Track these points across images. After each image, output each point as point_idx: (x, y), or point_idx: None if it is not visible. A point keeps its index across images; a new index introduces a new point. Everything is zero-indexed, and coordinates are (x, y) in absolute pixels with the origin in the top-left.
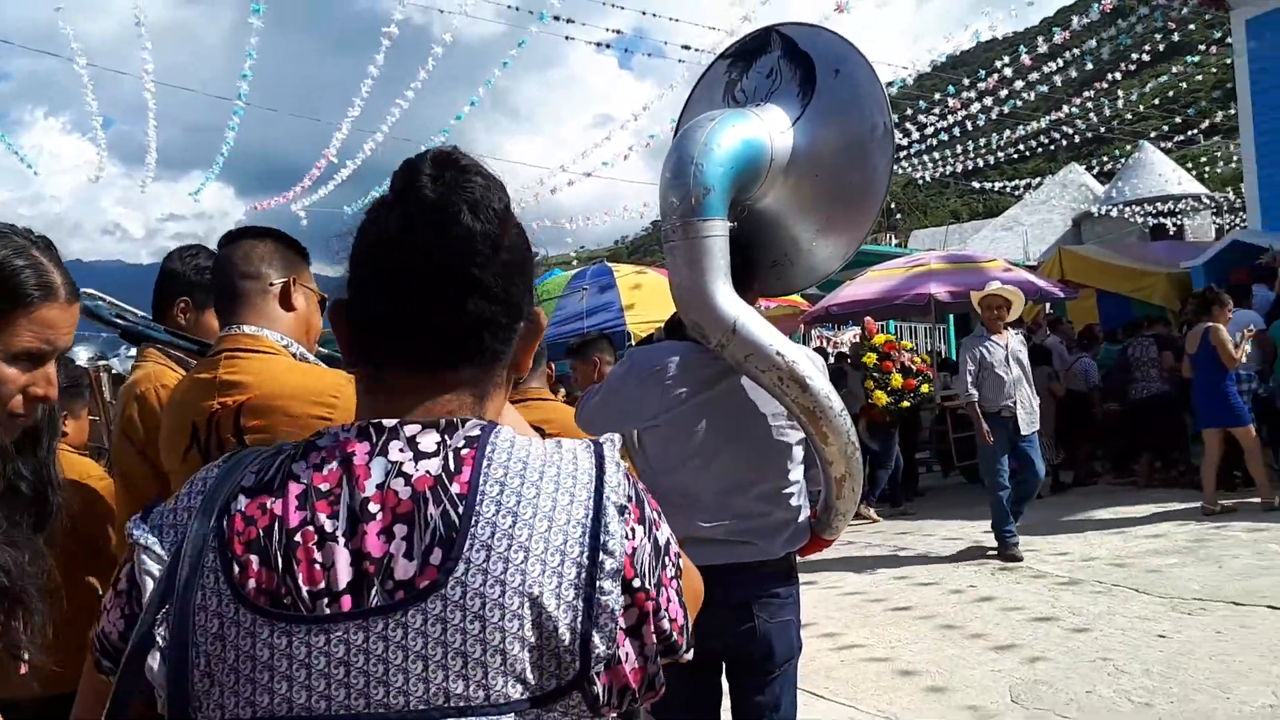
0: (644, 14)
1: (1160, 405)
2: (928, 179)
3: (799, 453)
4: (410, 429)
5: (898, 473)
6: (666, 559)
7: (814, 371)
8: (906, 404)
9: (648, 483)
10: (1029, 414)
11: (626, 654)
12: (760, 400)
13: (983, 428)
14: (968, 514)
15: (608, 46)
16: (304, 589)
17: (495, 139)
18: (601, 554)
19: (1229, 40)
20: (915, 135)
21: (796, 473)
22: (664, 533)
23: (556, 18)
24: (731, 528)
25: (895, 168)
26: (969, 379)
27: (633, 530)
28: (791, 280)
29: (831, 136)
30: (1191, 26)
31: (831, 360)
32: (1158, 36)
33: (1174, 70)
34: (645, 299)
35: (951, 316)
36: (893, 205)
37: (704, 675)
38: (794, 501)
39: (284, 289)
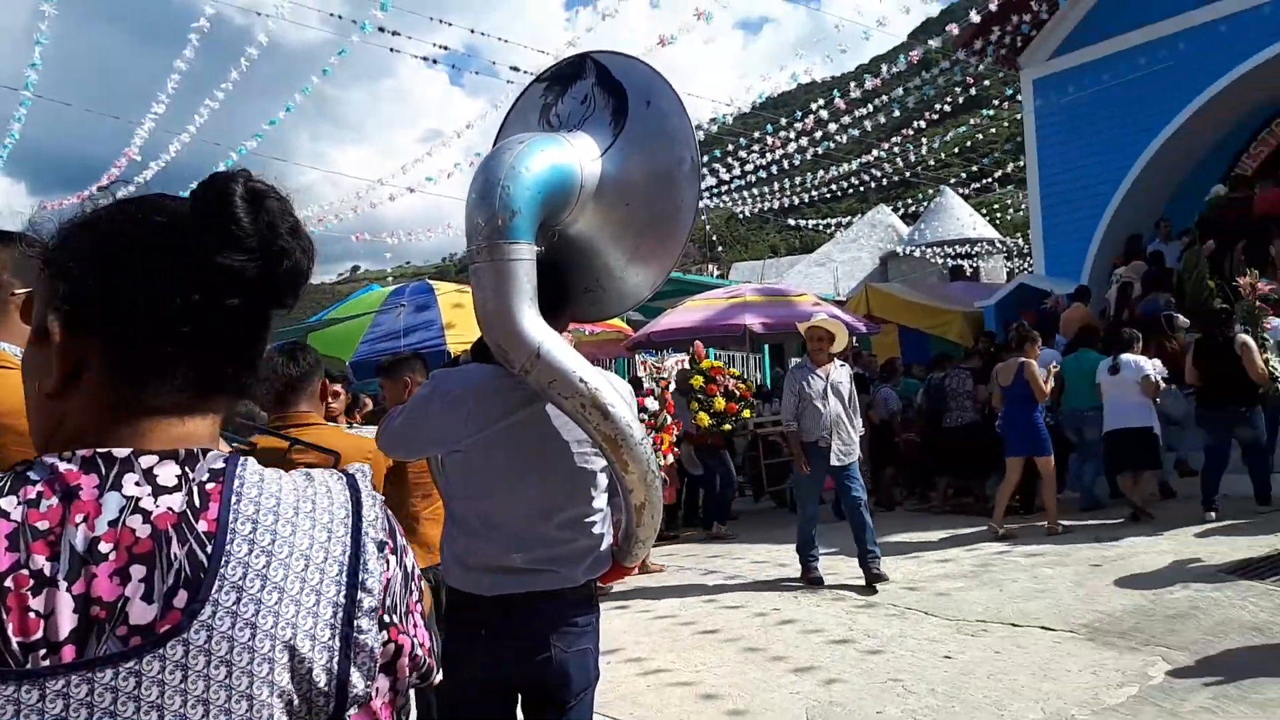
0: (473, 32)
1: (971, 433)
2: (748, 214)
3: (603, 480)
4: (146, 460)
5: (712, 497)
6: (413, 584)
7: (616, 399)
8: (728, 426)
9: (450, 508)
10: (845, 445)
11: (379, 689)
12: (564, 427)
13: (800, 457)
14: (777, 538)
15: (434, 62)
16: (13, 641)
17: (320, 147)
18: (360, 592)
19: (1020, 98)
20: (737, 170)
21: (600, 500)
22: (410, 558)
23: (382, 29)
24: (533, 556)
25: (718, 201)
26: (791, 408)
27: (387, 562)
28: (605, 306)
29: (641, 167)
30: (988, 82)
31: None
32: (958, 90)
33: (972, 122)
34: (467, 319)
35: (767, 346)
36: (714, 238)
37: (499, 705)
38: (597, 529)
39: (27, 300)
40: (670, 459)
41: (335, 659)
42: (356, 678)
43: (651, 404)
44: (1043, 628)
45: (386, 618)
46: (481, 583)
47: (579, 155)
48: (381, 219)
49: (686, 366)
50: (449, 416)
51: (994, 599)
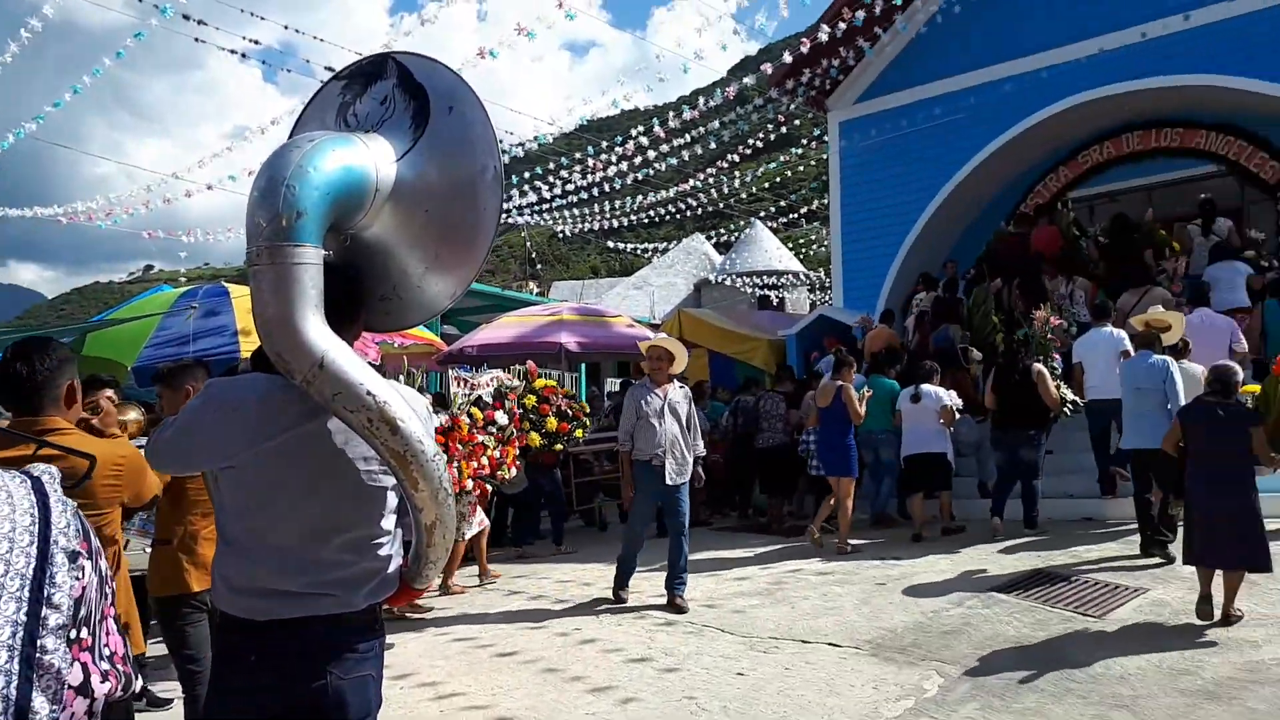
0: (286, 28)
1: (782, 453)
2: (568, 233)
3: (393, 499)
4: None
5: (523, 518)
6: (107, 588)
7: (408, 413)
8: (560, 446)
9: (222, 527)
10: (679, 464)
11: (74, 713)
12: (349, 443)
13: (628, 480)
14: (583, 557)
15: (244, 56)
16: None
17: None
18: (46, 609)
19: (826, 138)
20: (559, 189)
21: (388, 521)
22: (104, 561)
23: (187, 17)
24: (310, 579)
25: (538, 218)
26: (628, 427)
27: (81, 571)
28: (402, 316)
29: (442, 173)
30: (799, 122)
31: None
32: (771, 127)
33: (783, 159)
34: None
35: (584, 365)
36: (535, 255)
37: None
38: (384, 551)
39: None
40: (515, 472)
41: (14, 683)
42: (40, 702)
43: (501, 417)
44: (830, 644)
45: (80, 632)
46: (254, 607)
47: (374, 157)
48: (182, 216)
49: (507, 383)
50: (224, 428)
51: (786, 616)
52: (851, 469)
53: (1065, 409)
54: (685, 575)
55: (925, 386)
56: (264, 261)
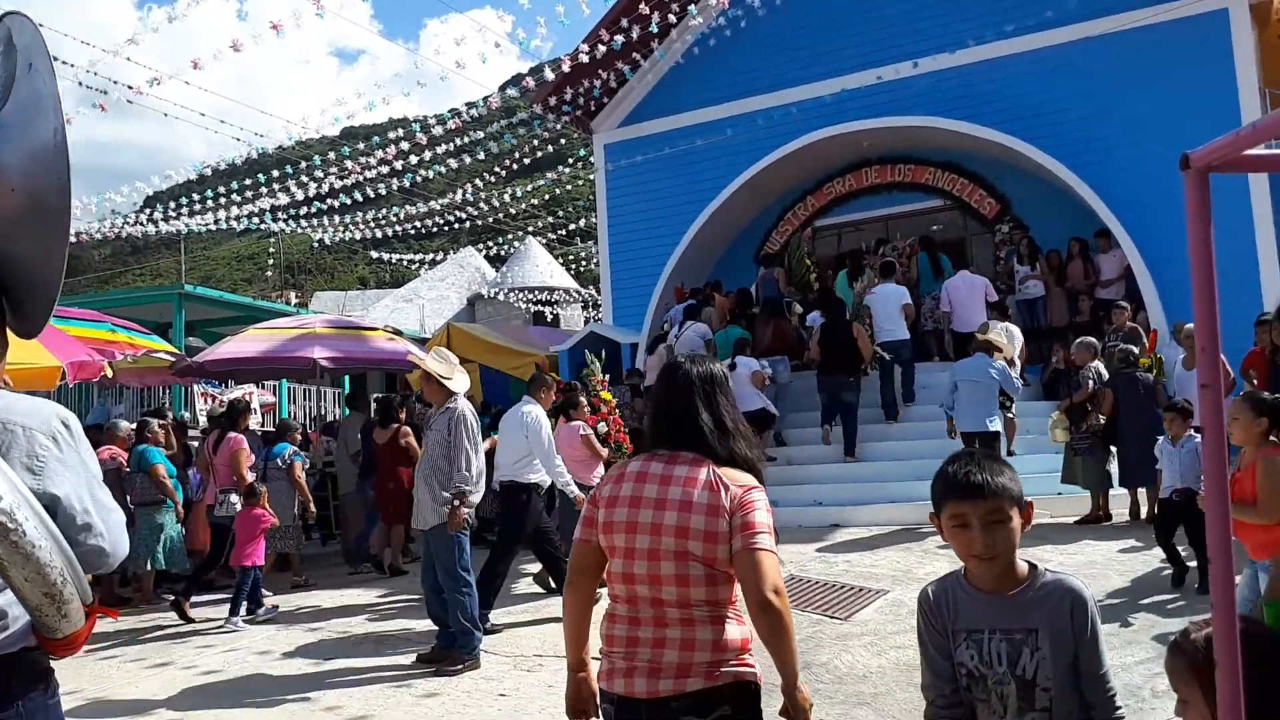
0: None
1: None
2: (327, 240)
3: None
4: None
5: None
6: None
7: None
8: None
9: None
10: (426, 503)
11: None
12: None
13: None
14: (353, 582)
15: None
16: None
17: None
18: None
19: (594, 159)
20: (311, 191)
21: None
22: None
23: None
24: None
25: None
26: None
27: None
28: (35, 314)
29: (25, 142)
30: (564, 141)
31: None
32: (543, 143)
33: (554, 176)
34: None
35: (347, 379)
36: (295, 264)
37: None
38: None
39: None
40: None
41: None
42: None
43: (603, 426)
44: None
45: None
46: None
47: None
48: None
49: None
50: None
51: (551, 633)
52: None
53: (874, 363)
54: (461, 640)
55: (739, 357)
56: None
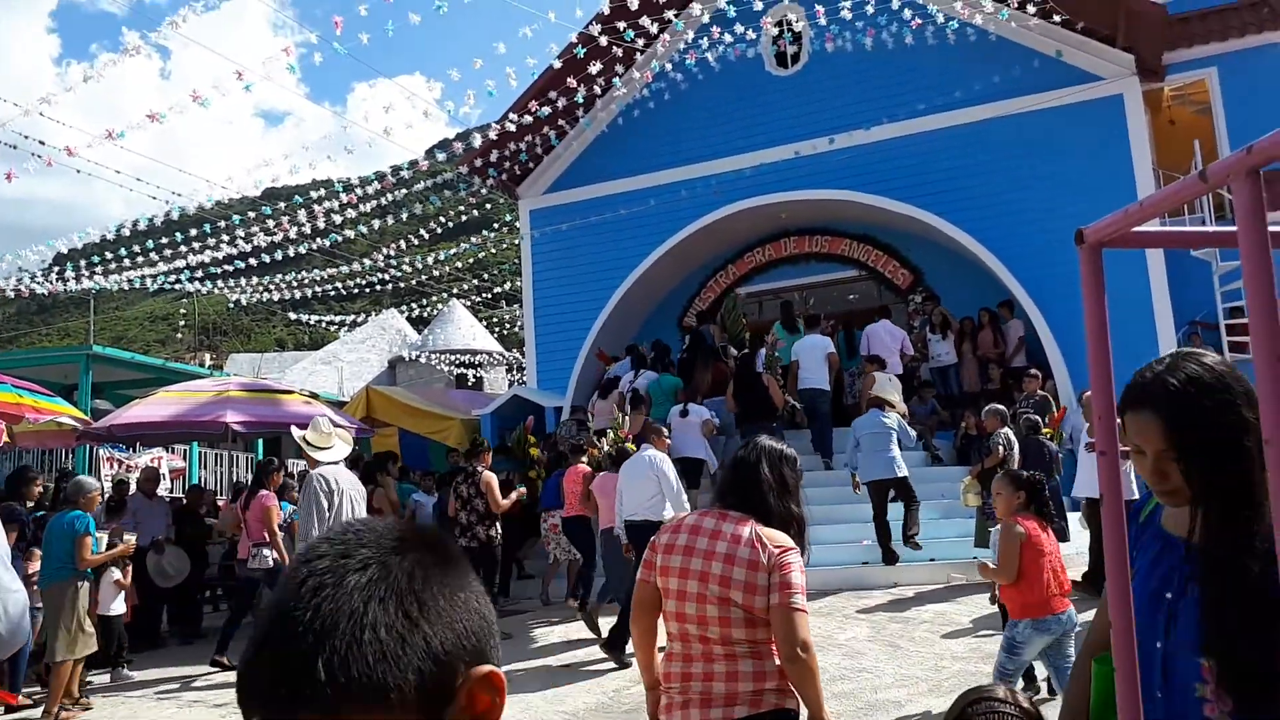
0: None
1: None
2: (244, 301)
3: None
4: None
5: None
6: None
7: None
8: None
9: None
10: None
11: None
12: None
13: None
14: None
15: None
16: None
17: None
18: None
19: (520, 224)
20: (232, 251)
21: None
22: None
23: None
24: None
25: (211, 286)
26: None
27: None
28: None
29: None
30: (489, 205)
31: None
32: (468, 207)
33: (476, 240)
34: None
35: (261, 442)
36: (210, 325)
37: None
38: None
39: None
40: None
41: None
42: None
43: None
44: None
45: None
46: None
47: None
48: None
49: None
50: None
51: None
52: None
53: (788, 410)
54: None
55: (692, 405)
56: None
